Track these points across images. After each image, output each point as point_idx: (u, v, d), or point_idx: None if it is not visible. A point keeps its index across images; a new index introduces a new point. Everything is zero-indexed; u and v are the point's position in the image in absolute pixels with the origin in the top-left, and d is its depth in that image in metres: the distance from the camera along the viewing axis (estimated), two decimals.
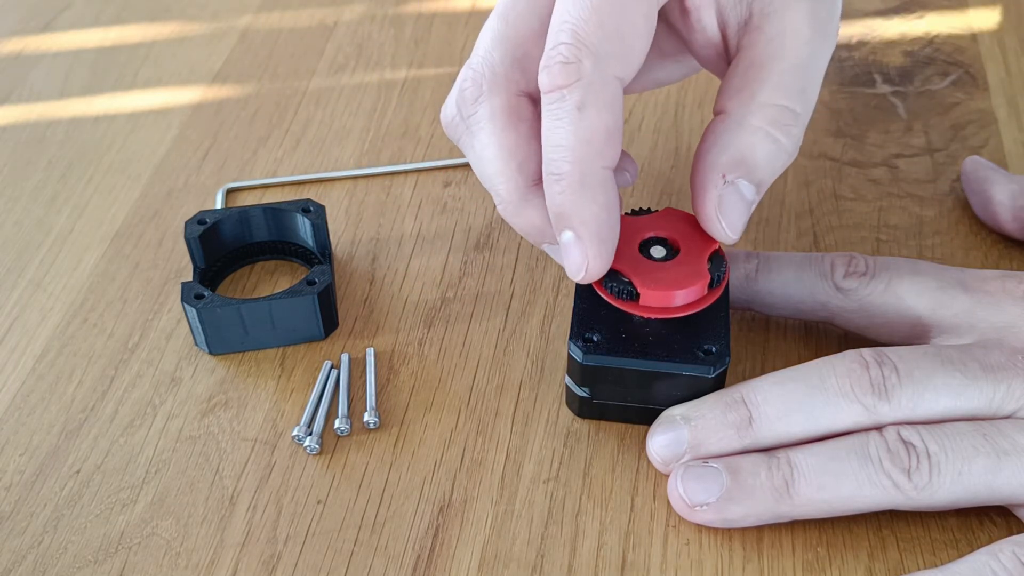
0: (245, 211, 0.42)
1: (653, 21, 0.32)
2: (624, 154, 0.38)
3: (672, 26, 0.37)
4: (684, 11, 0.36)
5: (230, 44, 0.55)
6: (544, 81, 0.32)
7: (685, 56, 0.40)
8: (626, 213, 0.36)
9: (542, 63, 0.32)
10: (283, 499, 0.35)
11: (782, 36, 0.34)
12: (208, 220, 0.41)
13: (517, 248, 0.44)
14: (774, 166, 0.34)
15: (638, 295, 0.34)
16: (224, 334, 0.39)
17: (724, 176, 0.34)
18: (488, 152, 0.35)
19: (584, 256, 0.33)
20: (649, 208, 0.37)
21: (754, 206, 0.34)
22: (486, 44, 0.35)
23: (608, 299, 0.35)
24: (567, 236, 0.33)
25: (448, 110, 0.37)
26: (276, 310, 0.38)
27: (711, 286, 0.34)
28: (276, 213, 0.42)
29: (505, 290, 0.42)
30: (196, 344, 0.40)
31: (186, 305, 0.38)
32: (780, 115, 0.33)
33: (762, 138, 0.34)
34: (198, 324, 0.38)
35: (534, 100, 0.35)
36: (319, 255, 0.42)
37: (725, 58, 0.36)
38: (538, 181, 0.34)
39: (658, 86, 0.42)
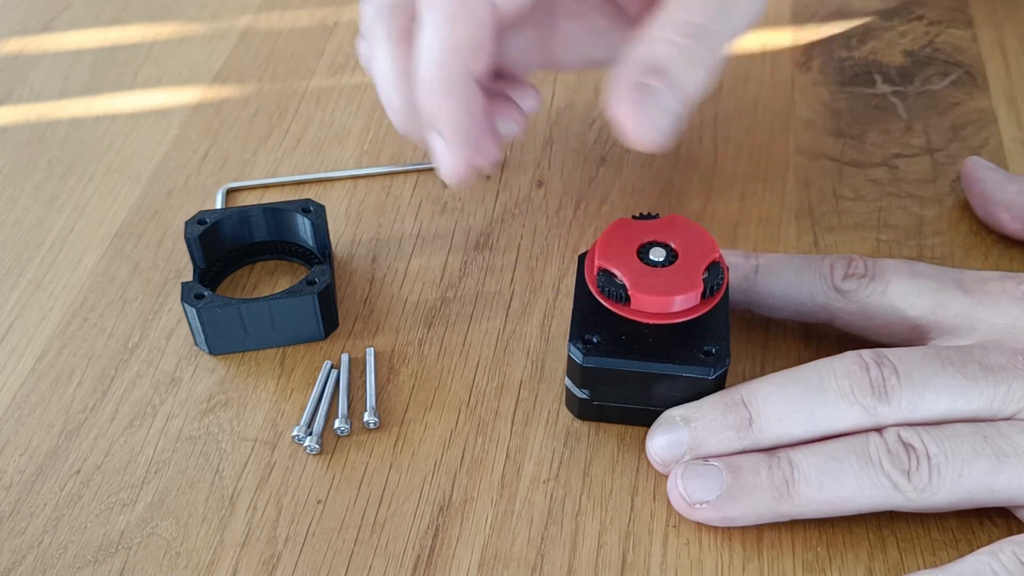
0: (245, 211, 0.42)
1: None
2: (526, 84, 0.40)
3: None
4: None
5: (230, 44, 0.55)
6: None
7: (616, 32, 0.40)
8: (632, 217, 0.36)
9: None
10: (283, 499, 0.35)
11: None
12: (208, 220, 0.41)
13: (517, 248, 0.44)
14: (690, 76, 0.34)
15: (629, 298, 0.34)
16: (224, 334, 0.39)
17: (636, 80, 0.33)
18: (384, 68, 0.37)
19: (451, 157, 0.35)
20: (655, 214, 0.37)
21: (679, 115, 0.34)
22: None
23: (601, 300, 0.35)
24: (437, 140, 0.35)
25: (360, 44, 0.38)
26: (276, 310, 0.38)
27: (704, 296, 0.34)
28: (276, 213, 0.42)
29: (505, 290, 0.42)
30: (196, 344, 0.40)
31: (186, 305, 0.38)
32: (692, 29, 0.34)
33: (670, 47, 0.33)
34: (198, 324, 0.38)
35: None
36: (319, 255, 0.42)
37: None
38: None
39: (588, 66, 0.43)
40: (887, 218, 0.44)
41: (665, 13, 0.34)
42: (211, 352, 0.40)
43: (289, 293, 0.38)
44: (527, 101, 0.40)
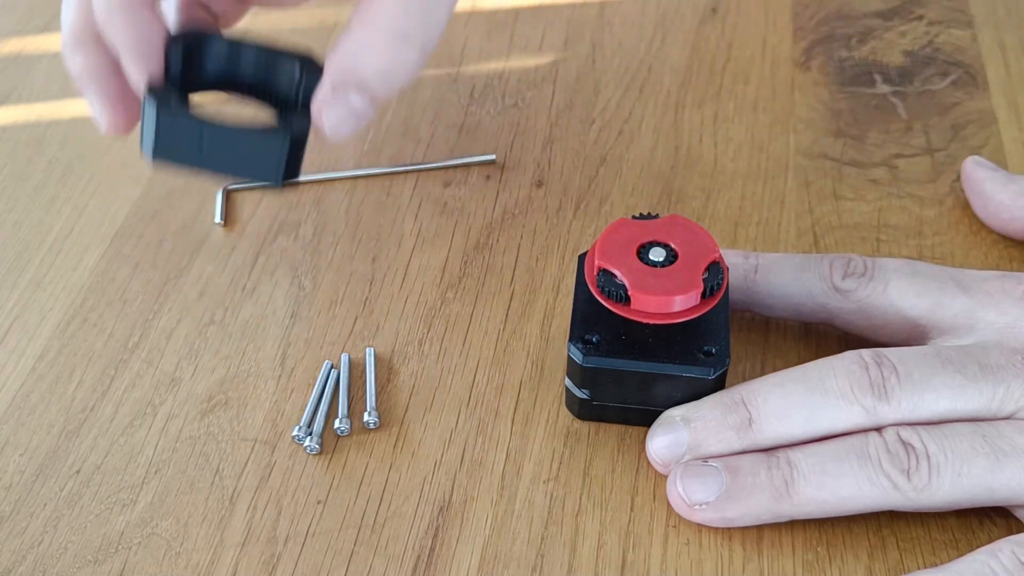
0: (237, 46, 0.39)
1: None
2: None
3: None
4: None
5: None
6: None
7: None
8: (632, 217, 0.36)
9: None
10: (283, 499, 0.35)
11: None
12: (193, 45, 0.38)
13: (517, 248, 0.44)
14: (385, 82, 0.37)
15: (629, 298, 0.34)
16: (176, 142, 0.35)
17: (334, 86, 0.36)
18: None
19: (127, 67, 0.36)
20: (655, 214, 0.37)
21: (369, 114, 0.37)
22: None
23: (601, 300, 0.35)
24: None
25: None
26: (242, 139, 0.36)
27: (704, 296, 0.34)
28: (270, 58, 0.39)
29: (505, 290, 0.42)
30: (140, 147, 0.37)
31: (148, 101, 0.35)
32: (393, 41, 0.36)
33: (372, 55, 0.36)
34: (153, 124, 0.35)
35: None
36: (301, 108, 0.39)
37: None
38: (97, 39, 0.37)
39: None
40: (887, 218, 0.44)
41: (372, 16, 0.36)
42: (153, 157, 0.36)
43: (262, 128, 0.36)
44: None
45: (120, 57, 0.37)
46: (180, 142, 0.36)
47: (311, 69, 0.38)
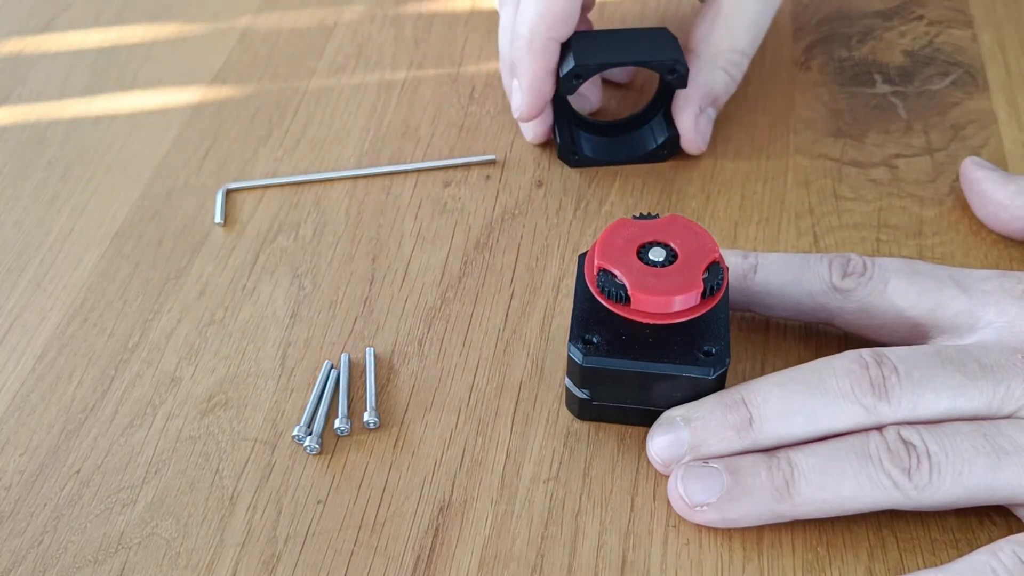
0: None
1: None
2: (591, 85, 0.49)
3: None
4: None
5: (230, 44, 0.55)
6: None
7: None
8: (632, 217, 0.36)
9: None
10: (283, 499, 0.35)
11: None
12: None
13: (517, 248, 0.44)
14: (728, 93, 0.47)
15: (629, 298, 0.34)
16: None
17: (700, 107, 0.46)
18: (504, 19, 0.47)
19: (521, 100, 0.45)
20: (655, 214, 0.37)
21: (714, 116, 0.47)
22: None
23: (601, 300, 0.35)
24: (515, 83, 0.45)
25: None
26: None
27: (704, 296, 0.34)
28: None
29: (505, 290, 0.42)
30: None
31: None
32: (737, 58, 0.46)
33: (723, 76, 0.46)
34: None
35: None
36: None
37: None
38: None
39: None
40: (887, 218, 0.44)
41: (717, 41, 0.45)
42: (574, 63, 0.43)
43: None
44: (587, 100, 0.49)
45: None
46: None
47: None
